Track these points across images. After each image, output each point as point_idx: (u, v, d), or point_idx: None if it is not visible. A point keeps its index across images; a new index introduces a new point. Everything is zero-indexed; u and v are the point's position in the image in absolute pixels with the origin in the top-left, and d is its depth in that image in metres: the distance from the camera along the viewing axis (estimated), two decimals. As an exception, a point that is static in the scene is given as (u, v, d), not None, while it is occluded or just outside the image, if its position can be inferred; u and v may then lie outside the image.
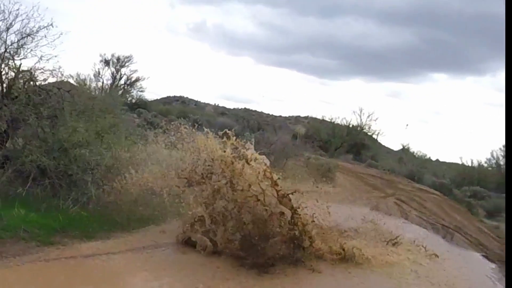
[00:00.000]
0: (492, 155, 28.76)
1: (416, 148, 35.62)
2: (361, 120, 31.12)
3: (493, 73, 74.16)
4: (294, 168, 17.11)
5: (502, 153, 26.97)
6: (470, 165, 28.64)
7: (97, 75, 22.33)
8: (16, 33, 8.86)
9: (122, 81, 23.31)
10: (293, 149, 19.90)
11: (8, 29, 8.73)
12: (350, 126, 31.10)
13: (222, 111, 53.40)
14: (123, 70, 23.39)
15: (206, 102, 58.51)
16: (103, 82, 22.25)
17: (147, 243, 7.62)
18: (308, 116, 55.97)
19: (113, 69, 23.24)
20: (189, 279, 6.50)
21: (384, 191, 19.19)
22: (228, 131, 7.92)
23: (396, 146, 42.48)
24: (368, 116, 31.20)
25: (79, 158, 7.97)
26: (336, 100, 79.66)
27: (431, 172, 27.32)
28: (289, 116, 58.53)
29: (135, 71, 23.84)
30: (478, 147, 67.58)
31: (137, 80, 23.69)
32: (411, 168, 24.85)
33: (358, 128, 31.21)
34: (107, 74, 23.13)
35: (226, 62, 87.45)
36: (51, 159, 7.69)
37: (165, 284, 6.33)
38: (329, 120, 31.89)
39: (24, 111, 7.95)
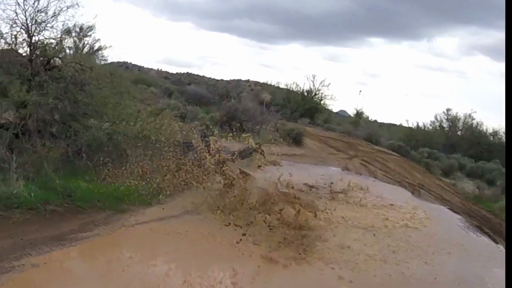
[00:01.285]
0: (436, 118, 30.74)
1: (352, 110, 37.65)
2: (314, 85, 32.58)
3: (429, 38, 77.96)
4: (268, 133, 18.15)
5: (446, 116, 29.23)
6: (415, 127, 30.57)
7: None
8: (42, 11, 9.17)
9: (85, 50, 22.86)
10: (264, 115, 20.90)
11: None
12: (304, 92, 32.51)
13: (166, 76, 53.24)
14: (86, 40, 22.94)
15: (149, 67, 58.11)
16: (65, 52, 21.81)
17: (193, 207, 8.38)
18: (249, 79, 57.19)
19: (75, 39, 22.77)
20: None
21: (347, 153, 20.64)
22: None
23: (335, 108, 44.45)
24: (321, 83, 32.76)
25: (129, 132, 8.52)
26: (275, 64, 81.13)
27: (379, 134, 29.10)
28: (230, 80, 59.17)
29: (98, 40, 23.42)
30: (414, 108, 71.65)
31: (100, 49, 23.32)
32: (367, 131, 26.34)
33: (311, 94, 32.65)
34: (68, 43, 22.59)
35: (168, 27, 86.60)
36: (105, 134, 8.20)
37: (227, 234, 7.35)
38: (285, 86, 33.19)
39: (69, 89, 8.33)
